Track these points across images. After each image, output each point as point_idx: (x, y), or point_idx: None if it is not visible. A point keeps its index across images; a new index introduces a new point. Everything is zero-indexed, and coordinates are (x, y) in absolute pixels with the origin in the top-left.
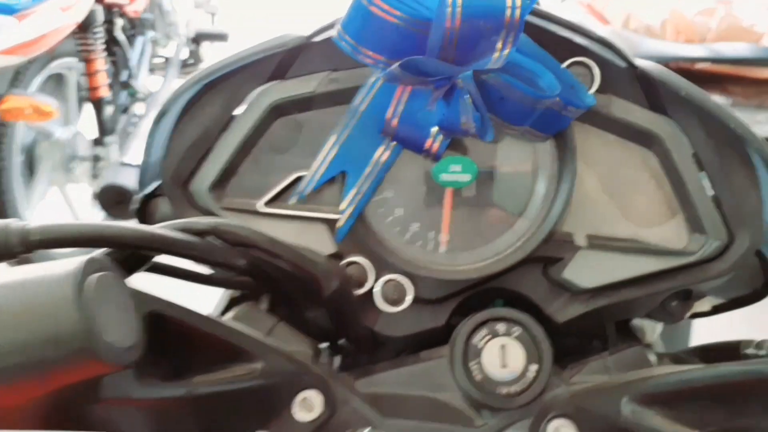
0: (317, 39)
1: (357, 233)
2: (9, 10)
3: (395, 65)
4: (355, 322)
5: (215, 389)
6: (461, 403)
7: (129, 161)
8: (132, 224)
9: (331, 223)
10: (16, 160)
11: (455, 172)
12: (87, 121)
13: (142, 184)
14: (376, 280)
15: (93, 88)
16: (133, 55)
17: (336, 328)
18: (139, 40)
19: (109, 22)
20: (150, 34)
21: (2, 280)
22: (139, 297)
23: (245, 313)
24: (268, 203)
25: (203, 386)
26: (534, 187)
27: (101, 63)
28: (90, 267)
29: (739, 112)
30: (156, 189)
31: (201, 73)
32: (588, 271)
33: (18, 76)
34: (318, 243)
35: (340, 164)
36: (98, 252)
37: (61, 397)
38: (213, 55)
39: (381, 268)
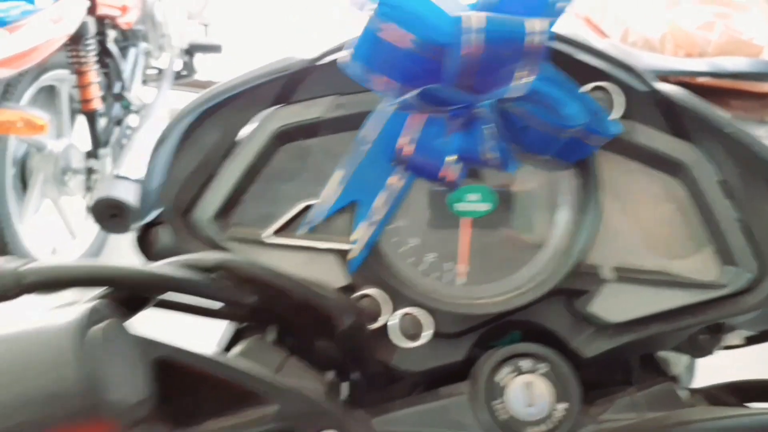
0: (322, 62)
1: (370, 264)
2: None
3: (411, 94)
4: (368, 357)
5: None
6: None
7: (124, 174)
8: (132, 264)
9: (342, 254)
10: (9, 173)
11: (473, 201)
12: (80, 134)
13: (143, 212)
14: (392, 313)
15: (85, 101)
16: (126, 66)
17: (349, 363)
18: (132, 52)
19: (101, 34)
20: (143, 45)
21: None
22: (145, 344)
23: (253, 347)
24: (276, 233)
25: None
26: (556, 218)
27: (94, 75)
28: (93, 316)
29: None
30: (156, 217)
31: (202, 97)
32: (615, 304)
33: (8, 89)
34: (328, 275)
35: (351, 193)
36: (99, 293)
37: None
38: (206, 67)
39: (396, 300)
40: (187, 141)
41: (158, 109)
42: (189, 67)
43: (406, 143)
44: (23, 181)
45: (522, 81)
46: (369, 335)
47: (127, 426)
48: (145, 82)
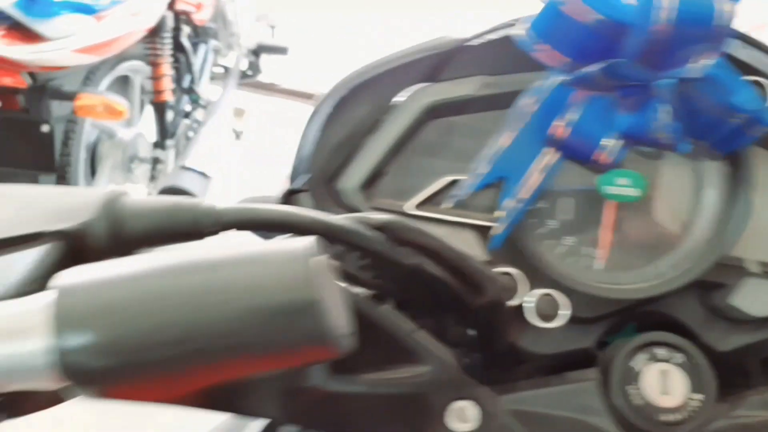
0: (473, 43)
1: (509, 243)
2: (89, 10)
3: (594, 67)
4: (500, 336)
5: (380, 390)
6: (612, 427)
7: (189, 165)
8: (317, 213)
9: (482, 231)
10: (81, 157)
11: (622, 186)
12: (147, 124)
13: (292, 178)
14: (528, 292)
15: (158, 92)
16: (196, 62)
17: (477, 341)
18: (202, 48)
19: (176, 29)
20: (212, 43)
21: (227, 255)
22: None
23: (387, 314)
24: (418, 206)
25: (371, 385)
26: (702, 208)
27: (167, 68)
28: (315, 248)
29: None
30: (301, 185)
31: (354, 72)
32: (759, 299)
33: (90, 76)
34: (467, 250)
35: (500, 170)
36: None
37: (263, 380)
38: (271, 68)
39: (534, 281)
40: (337, 113)
41: (223, 106)
42: (254, 67)
43: (561, 125)
44: (92, 167)
45: (702, 62)
46: (507, 312)
47: (337, 355)
48: (211, 79)
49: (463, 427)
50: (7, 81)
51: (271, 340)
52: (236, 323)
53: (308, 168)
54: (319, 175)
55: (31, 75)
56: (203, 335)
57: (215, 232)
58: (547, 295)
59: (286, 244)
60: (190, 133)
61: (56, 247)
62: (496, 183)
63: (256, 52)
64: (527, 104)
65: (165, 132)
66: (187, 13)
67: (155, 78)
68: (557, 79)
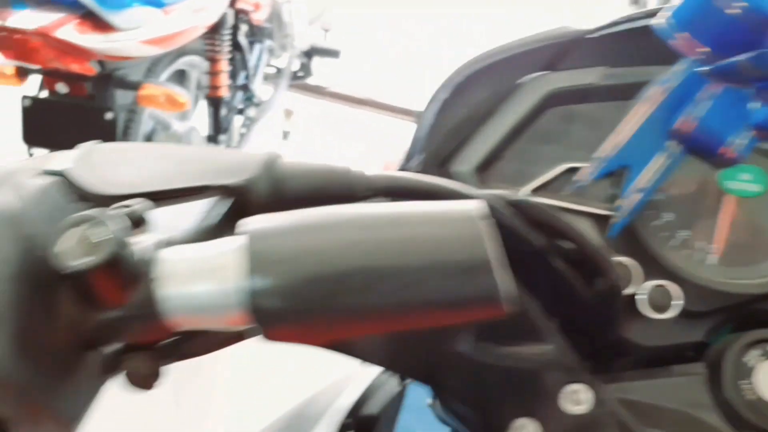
0: (595, 35)
1: (623, 233)
2: (158, 4)
3: (738, 58)
4: (609, 326)
5: (506, 363)
6: (719, 422)
7: None
8: (461, 185)
9: (597, 219)
10: None
11: (744, 181)
12: (199, 119)
13: (407, 159)
14: (642, 283)
15: (214, 87)
16: (251, 61)
17: (586, 330)
18: (257, 48)
19: (235, 27)
20: (267, 42)
21: (404, 210)
22: None
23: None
24: (534, 191)
25: (499, 357)
26: None
27: (225, 64)
28: (485, 211)
29: None
30: (414, 166)
31: (475, 58)
32: None
33: (151, 67)
34: None
35: (623, 159)
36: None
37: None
38: (323, 71)
39: (648, 271)
40: (455, 97)
41: (275, 105)
42: (306, 69)
43: (688, 119)
44: None
45: None
46: (621, 301)
47: (503, 314)
48: (263, 78)
49: (576, 410)
50: (77, 68)
51: (448, 294)
52: (417, 276)
53: (422, 149)
54: (433, 156)
55: (100, 63)
56: (384, 285)
57: (367, 197)
58: (660, 286)
59: (457, 204)
60: (243, 130)
61: (222, 201)
62: (615, 173)
63: (309, 54)
64: (654, 94)
65: (218, 127)
66: (246, 12)
67: (213, 73)
68: (689, 69)
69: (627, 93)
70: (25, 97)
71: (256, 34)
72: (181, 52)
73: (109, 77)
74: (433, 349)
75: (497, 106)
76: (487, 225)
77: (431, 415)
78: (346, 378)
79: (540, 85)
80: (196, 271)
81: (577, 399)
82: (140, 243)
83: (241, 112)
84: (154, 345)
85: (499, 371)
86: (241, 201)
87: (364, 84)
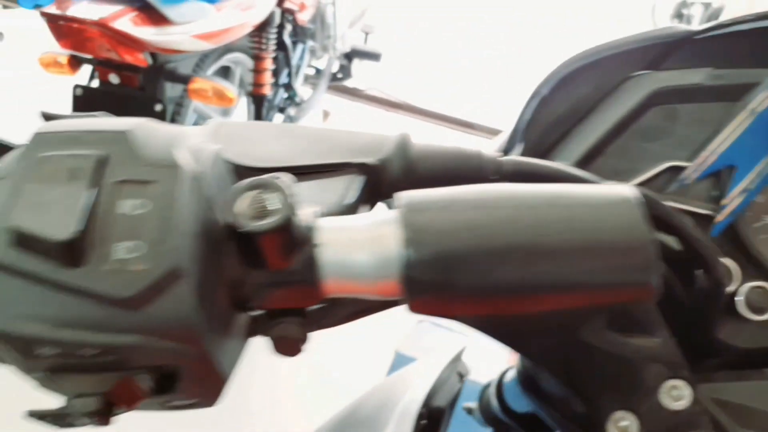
0: (702, 36)
1: (726, 233)
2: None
3: None
4: (707, 324)
5: (616, 351)
6: None
7: None
8: (587, 174)
9: (699, 219)
10: None
11: None
12: (239, 116)
13: (506, 150)
14: (741, 284)
15: (258, 85)
16: (294, 60)
17: (680, 328)
18: (299, 47)
19: (280, 26)
20: (309, 43)
21: (560, 191)
22: None
23: None
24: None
25: (613, 344)
26: None
27: (269, 62)
28: (640, 195)
29: None
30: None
31: (579, 54)
32: None
33: (199, 62)
34: None
35: (729, 159)
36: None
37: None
38: (363, 74)
39: (747, 272)
40: (558, 91)
41: (315, 105)
42: (346, 71)
43: None
44: None
45: None
46: (722, 299)
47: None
48: (304, 79)
49: (674, 406)
50: (130, 59)
51: (603, 275)
52: (575, 255)
53: (521, 141)
54: (533, 147)
55: (152, 56)
56: (542, 263)
57: (496, 181)
58: (759, 287)
59: (613, 188)
60: None
61: (357, 178)
62: (718, 173)
63: (349, 56)
64: (764, 96)
65: None
66: (291, 12)
67: (257, 71)
68: None
69: (734, 94)
70: (77, 86)
71: (300, 34)
72: (227, 49)
73: (161, 69)
74: (564, 332)
75: (600, 102)
76: (644, 209)
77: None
78: (413, 371)
79: (645, 83)
80: (355, 240)
81: (677, 395)
82: (303, 212)
83: (282, 110)
84: (302, 311)
85: (609, 360)
86: (375, 179)
87: (400, 87)
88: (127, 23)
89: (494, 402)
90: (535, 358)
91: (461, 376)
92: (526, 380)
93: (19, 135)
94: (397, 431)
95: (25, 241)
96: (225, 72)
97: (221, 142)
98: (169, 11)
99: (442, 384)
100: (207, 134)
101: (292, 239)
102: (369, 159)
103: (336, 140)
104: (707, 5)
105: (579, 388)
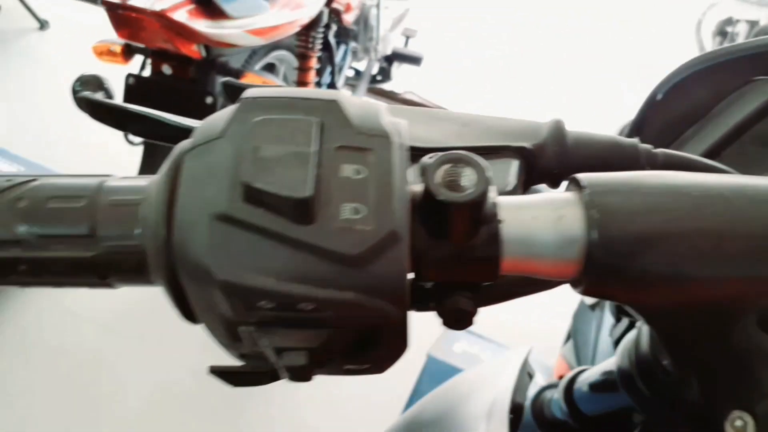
0: None
1: None
2: None
3: None
4: None
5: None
6: None
7: None
8: (733, 171)
9: None
10: None
11: None
12: None
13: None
14: None
15: (302, 83)
16: (336, 61)
17: None
18: (342, 48)
19: (326, 26)
20: (352, 44)
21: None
22: None
23: None
24: None
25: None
26: None
27: (314, 61)
28: None
29: None
30: None
31: (696, 58)
32: None
33: (248, 58)
34: None
35: None
36: None
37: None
38: (402, 78)
39: None
40: (673, 95)
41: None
42: (385, 74)
43: None
44: None
45: None
46: None
47: None
48: (345, 79)
49: None
50: (186, 50)
51: None
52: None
53: (632, 133)
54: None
55: (206, 48)
56: (732, 252)
57: (651, 169)
58: None
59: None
60: None
61: (514, 162)
62: None
63: (390, 59)
64: None
65: None
66: (338, 12)
67: (302, 69)
68: None
69: None
70: (129, 75)
71: (343, 35)
72: (274, 46)
73: (213, 63)
74: (720, 325)
75: (718, 105)
76: None
77: None
78: (488, 371)
79: (763, 89)
80: (537, 218)
81: (742, 428)
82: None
83: None
84: (476, 285)
85: (743, 357)
86: (529, 164)
87: (436, 91)
88: (185, 15)
89: (562, 405)
90: (681, 354)
91: (530, 376)
92: (628, 380)
93: (68, 122)
94: (493, 425)
95: (257, 197)
96: (269, 69)
97: None
98: (227, 5)
99: (518, 382)
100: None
101: (481, 214)
102: (526, 143)
103: (488, 124)
104: (753, 23)
105: (707, 386)
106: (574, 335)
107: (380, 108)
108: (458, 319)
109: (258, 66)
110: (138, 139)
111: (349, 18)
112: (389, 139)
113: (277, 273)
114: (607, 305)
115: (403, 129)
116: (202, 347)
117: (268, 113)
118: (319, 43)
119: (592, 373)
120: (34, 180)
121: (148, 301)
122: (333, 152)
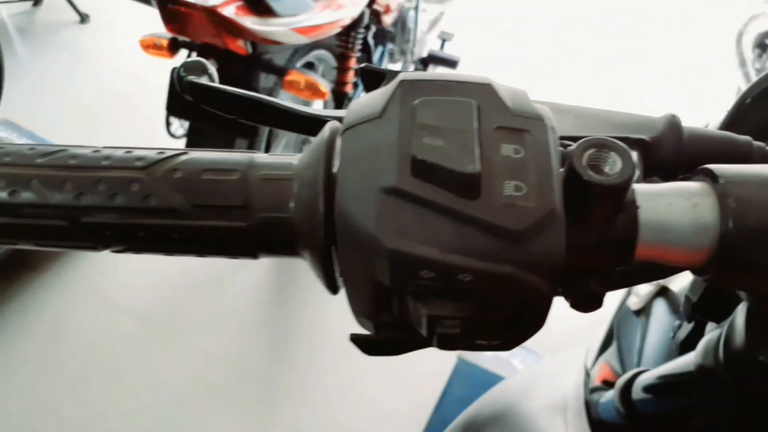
0: None
1: None
2: None
3: None
4: None
5: None
6: None
7: None
8: None
9: None
10: (266, 130)
11: None
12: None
13: None
14: None
15: (341, 83)
16: (374, 61)
17: None
18: (380, 49)
19: (366, 27)
20: (389, 46)
21: None
22: None
23: None
24: None
25: None
26: None
27: (354, 62)
28: None
29: None
30: None
31: None
32: None
33: (291, 56)
34: None
35: None
36: None
37: None
38: None
39: None
40: (764, 97)
41: None
42: None
43: None
44: (267, 145)
45: None
46: None
47: None
48: None
49: None
50: (233, 46)
51: None
52: None
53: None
54: None
55: (252, 45)
56: None
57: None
58: None
59: None
60: None
61: (634, 153)
62: None
63: (426, 61)
64: None
65: None
66: (377, 14)
67: (341, 69)
68: None
69: None
70: (175, 69)
71: (381, 36)
72: (314, 45)
73: (258, 59)
74: None
75: None
76: None
77: None
78: (548, 367)
79: None
80: (673, 206)
81: None
82: None
83: None
84: (608, 269)
85: None
86: (647, 156)
87: None
88: (234, 11)
89: (618, 406)
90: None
91: (588, 375)
92: (710, 378)
93: (108, 113)
94: (571, 416)
95: (426, 172)
96: (309, 67)
97: None
98: (275, 3)
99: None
100: None
101: (623, 198)
102: (645, 135)
103: (603, 117)
104: None
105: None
106: (618, 341)
107: (527, 93)
108: (589, 302)
109: (299, 64)
110: (180, 131)
111: (387, 20)
112: (544, 122)
113: (441, 244)
114: (654, 311)
115: (550, 114)
116: (236, 340)
117: (428, 95)
118: (359, 43)
119: (653, 375)
120: (184, 153)
121: (184, 291)
122: (492, 132)
